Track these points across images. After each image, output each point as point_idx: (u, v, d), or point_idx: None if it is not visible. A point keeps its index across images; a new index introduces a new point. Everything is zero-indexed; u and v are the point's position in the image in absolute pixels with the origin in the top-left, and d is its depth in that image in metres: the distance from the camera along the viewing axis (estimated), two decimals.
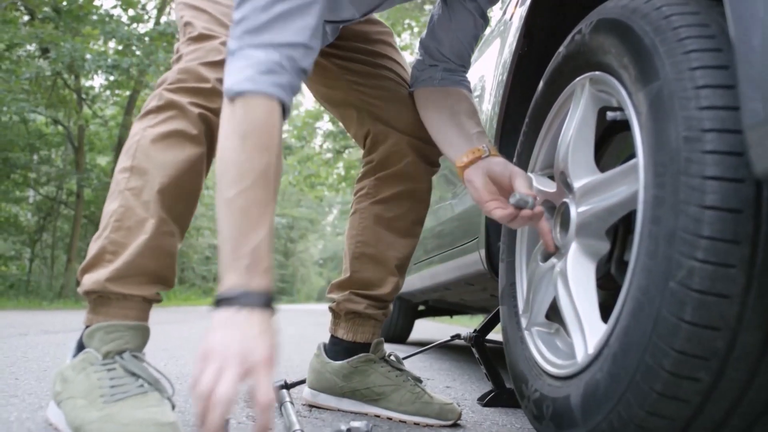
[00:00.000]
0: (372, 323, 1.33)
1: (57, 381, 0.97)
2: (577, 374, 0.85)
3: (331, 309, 1.36)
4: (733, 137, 0.66)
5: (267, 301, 0.76)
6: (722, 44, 0.70)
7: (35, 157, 11.64)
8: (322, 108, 2.44)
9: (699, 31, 0.72)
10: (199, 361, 0.72)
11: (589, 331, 0.87)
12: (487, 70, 1.79)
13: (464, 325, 7.54)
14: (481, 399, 1.56)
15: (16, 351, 2.17)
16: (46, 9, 10.19)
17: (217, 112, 1.03)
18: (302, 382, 1.40)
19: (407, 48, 12.35)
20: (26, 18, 10.67)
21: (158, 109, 1.03)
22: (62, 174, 11.56)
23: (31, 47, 10.45)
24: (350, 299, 1.32)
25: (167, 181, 0.99)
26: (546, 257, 1.06)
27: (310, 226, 35.94)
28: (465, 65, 1.26)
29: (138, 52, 9.73)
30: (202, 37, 1.06)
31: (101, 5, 10.32)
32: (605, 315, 0.84)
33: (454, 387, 1.86)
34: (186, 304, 13.21)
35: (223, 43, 1.04)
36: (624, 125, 0.89)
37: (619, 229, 0.98)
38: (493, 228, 1.55)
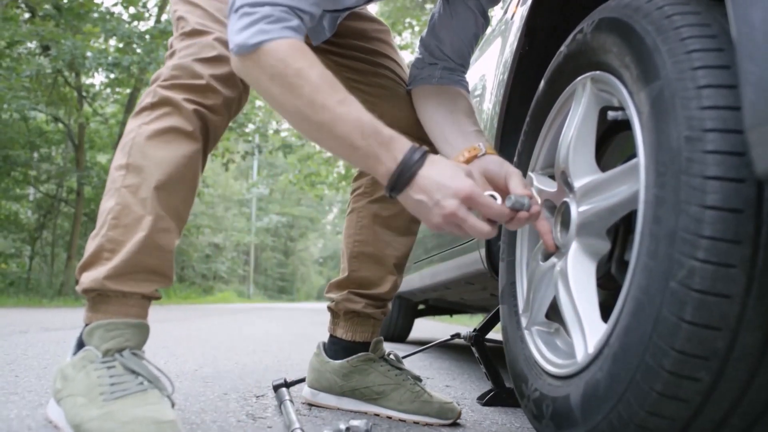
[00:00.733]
0: (371, 322, 1.33)
1: (57, 378, 0.97)
2: (577, 374, 0.85)
3: (329, 308, 1.36)
4: (735, 137, 0.65)
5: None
6: (724, 44, 0.70)
7: (35, 154, 11.62)
8: None
9: (701, 31, 0.72)
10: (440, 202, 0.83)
11: (589, 331, 0.87)
12: (488, 69, 1.79)
13: (464, 324, 7.55)
14: (480, 398, 1.56)
15: (16, 349, 2.17)
16: (47, 6, 10.18)
17: (211, 109, 1.03)
18: (302, 381, 1.40)
19: (408, 47, 12.34)
20: (27, 15, 10.66)
21: (153, 106, 1.03)
22: (62, 172, 11.55)
23: (32, 45, 10.44)
24: (349, 298, 1.32)
25: (164, 178, 0.99)
26: (546, 256, 1.06)
27: (310, 224, 35.93)
28: (465, 65, 1.26)
29: (139, 50, 9.71)
30: (195, 33, 1.06)
31: (102, 3, 10.30)
32: (605, 314, 0.84)
33: (453, 386, 1.86)
34: (186, 302, 13.22)
35: (217, 39, 1.04)
36: (625, 125, 0.89)
37: (620, 229, 0.98)
38: None
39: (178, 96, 1.01)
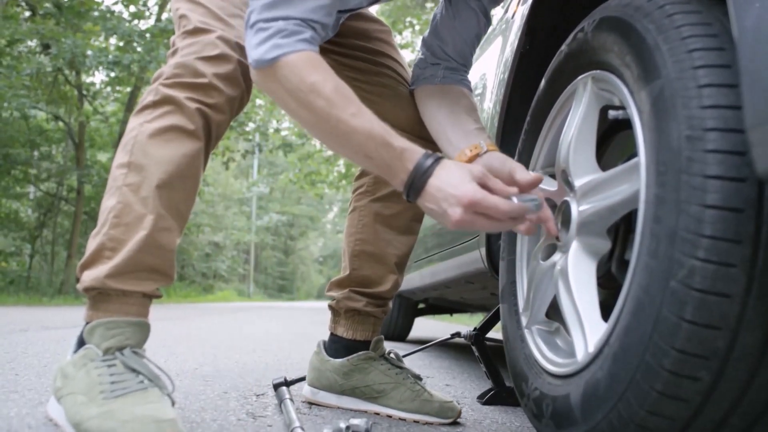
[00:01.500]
0: (372, 321, 1.33)
1: (57, 377, 0.97)
2: (578, 373, 0.85)
3: (330, 307, 1.36)
4: (735, 136, 0.65)
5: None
6: (724, 43, 0.70)
7: (36, 153, 11.62)
8: None
9: (701, 30, 0.72)
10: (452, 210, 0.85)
11: (589, 330, 0.87)
12: (489, 68, 1.78)
13: (464, 324, 7.55)
14: (480, 397, 1.56)
15: (16, 347, 2.17)
16: (47, 5, 10.18)
17: (214, 107, 1.03)
18: (302, 379, 1.40)
19: (408, 46, 12.34)
20: (27, 14, 10.67)
21: (155, 105, 1.02)
22: (63, 170, 11.56)
23: (32, 43, 10.44)
24: (350, 297, 1.32)
25: (165, 177, 0.99)
26: (547, 255, 1.06)
27: (310, 223, 35.95)
28: (467, 65, 1.26)
29: (139, 49, 9.71)
30: (197, 31, 1.06)
31: (102, 1, 10.31)
32: (606, 314, 0.84)
33: (453, 385, 1.86)
34: (186, 301, 13.23)
35: (219, 37, 1.04)
36: (626, 124, 0.89)
37: (620, 228, 0.98)
38: None
39: (180, 94, 1.01)
